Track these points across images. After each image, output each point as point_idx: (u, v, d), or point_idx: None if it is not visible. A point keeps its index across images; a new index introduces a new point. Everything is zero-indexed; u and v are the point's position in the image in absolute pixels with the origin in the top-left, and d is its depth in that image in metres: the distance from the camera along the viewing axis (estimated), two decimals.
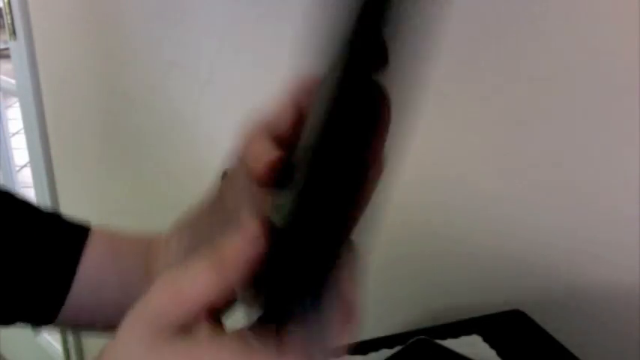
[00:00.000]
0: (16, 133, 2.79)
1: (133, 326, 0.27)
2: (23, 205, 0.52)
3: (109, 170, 1.50)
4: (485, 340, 0.69)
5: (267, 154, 0.31)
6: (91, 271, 0.51)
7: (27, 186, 2.04)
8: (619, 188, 0.67)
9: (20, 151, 2.04)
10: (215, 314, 0.27)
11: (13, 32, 1.56)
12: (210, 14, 1.09)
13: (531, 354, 0.68)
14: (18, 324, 0.51)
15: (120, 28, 1.33)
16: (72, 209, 1.68)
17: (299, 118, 0.32)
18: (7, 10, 1.55)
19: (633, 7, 0.61)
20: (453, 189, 0.81)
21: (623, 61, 0.64)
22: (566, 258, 0.73)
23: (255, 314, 0.28)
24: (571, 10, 0.67)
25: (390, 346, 0.67)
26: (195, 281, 0.27)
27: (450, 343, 0.68)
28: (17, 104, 1.70)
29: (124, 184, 1.46)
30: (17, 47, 1.58)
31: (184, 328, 0.26)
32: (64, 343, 1.87)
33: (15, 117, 2.22)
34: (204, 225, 0.44)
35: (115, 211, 1.52)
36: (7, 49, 1.63)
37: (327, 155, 0.26)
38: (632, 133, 0.64)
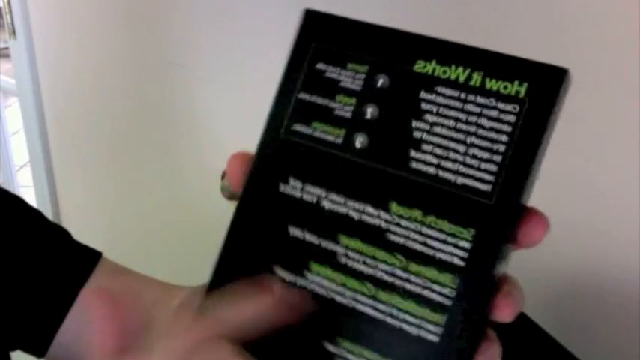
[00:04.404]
0: (16, 132, 2.79)
1: None
2: (32, 215, 0.47)
3: (109, 170, 1.50)
4: None
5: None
6: (83, 316, 0.43)
7: (27, 186, 2.04)
8: (619, 188, 0.67)
9: (20, 151, 2.04)
10: None
11: (13, 32, 1.56)
12: (212, 14, 1.09)
13: (531, 354, 0.68)
14: (18, 349, 0.45)
15: (120, 27, 1.33)
16: (72, 209, 1.68)
17: None
18: (7, 10, 1.55)
19: (633, 6, 0.61)
20: None
21: (623, 59, 0.64)
22: (566, 258, 0.73)
23: None
24: (571, 9, 0.67)
25: None
26: None
27: None
28: (17, 104, 1.70)
29: (124, 184, 1.46)
30: (17, 47, 1.58)
31: None
32: None
33: (15, 117, 2.22)
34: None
35: (115, 211, 1.52)
36: (7, 48, 1.63)
37: None
38: (632, 132, 0.64)
